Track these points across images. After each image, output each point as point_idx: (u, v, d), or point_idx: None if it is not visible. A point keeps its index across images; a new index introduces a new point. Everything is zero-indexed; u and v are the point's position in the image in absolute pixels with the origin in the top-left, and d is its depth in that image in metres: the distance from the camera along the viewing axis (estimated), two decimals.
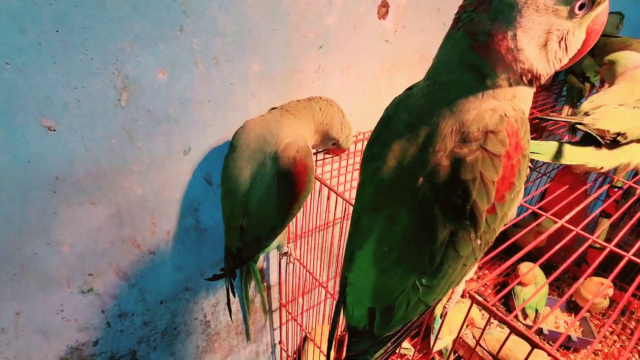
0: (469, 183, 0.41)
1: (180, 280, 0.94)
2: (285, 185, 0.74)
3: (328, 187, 0.86)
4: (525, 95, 0.46)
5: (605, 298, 1.35)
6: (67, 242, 0.73)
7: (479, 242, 0.44)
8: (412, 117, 0.47)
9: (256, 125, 0.78)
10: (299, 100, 0.83)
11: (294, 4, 0.81)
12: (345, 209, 1.12)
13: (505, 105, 0.43)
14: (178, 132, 0.77)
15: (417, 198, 0.44)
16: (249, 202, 0.76)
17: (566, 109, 1.51)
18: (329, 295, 1.19)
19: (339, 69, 0.96)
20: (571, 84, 1.65)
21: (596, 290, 1.32)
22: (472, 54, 0.42)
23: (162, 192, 0.81)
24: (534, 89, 0.46)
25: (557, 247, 0.59)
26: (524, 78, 0.43)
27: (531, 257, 1.24)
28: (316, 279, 1.11)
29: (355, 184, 1.13)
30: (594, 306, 1.37)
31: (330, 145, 0.89)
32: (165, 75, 0.70)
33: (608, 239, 1.44)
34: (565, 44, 0.43)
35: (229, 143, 0.79)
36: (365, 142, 1.09)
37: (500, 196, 0.43)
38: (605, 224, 1.83)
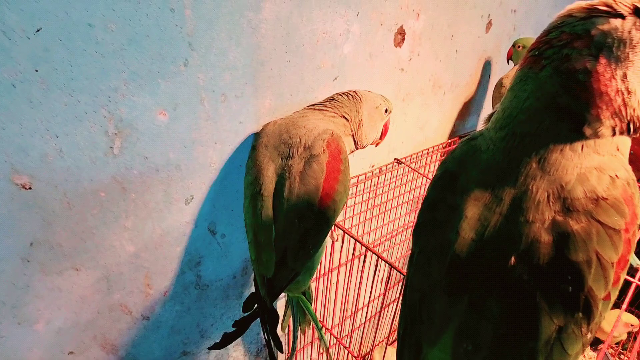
0: (582, 265, 0.33)
1: (177, 344, 0.81)
2: (318, 170, 0.62)
3: (337, 226, 0.76)
4: (627, 148, 0.38)
5: (629, 329, 1.29)
6: (43, 318, 0.59)
7: (589, 336, 0.35)
8: (488, 176, 0.38)
9: (277, 124, 0.68)
10: (333, 99, 0.73)
11: (311, 32, 0.73)
12: (351, 248, 1.02)
13: (613, 163, 0.35)
14: (179, 179, 0.66)
15: (510, 283, 0.34)
16: (276, 201, 0.63)
17: None
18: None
19: None
20: None
21: (614, 320, 1.26)
22: (567, 96, 0.34)
23: (160, 248, 0.69)
24: (630, 141, 0.39)
25: None
26: (631, 126, 0.36)
27: None
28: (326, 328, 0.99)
29: (358, 220, 1.04)
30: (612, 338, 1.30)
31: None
32: (166, 116, 0.60)
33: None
34: None
35: (252, 145, 0.70)
36: (378, 178, 1.02)
37: (617, 279, 0.34)
38: None
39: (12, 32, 0.44)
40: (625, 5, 0.33)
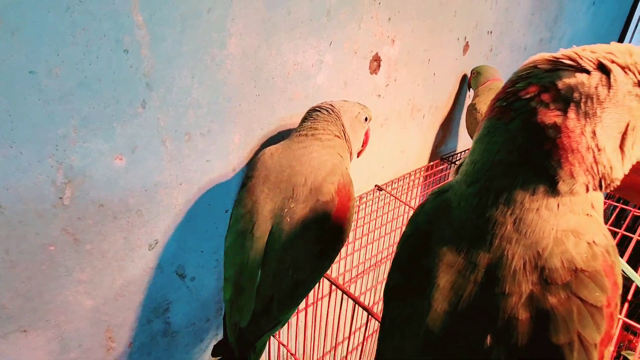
0: (563, 349, 0.30)
1: None
2: (324, 219, 0.56)
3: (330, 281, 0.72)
4: (600, 204, 0.36)
5: None
6: None
7: None
8: (461, 237, 0.35)
9: (278, 154, 0.62)
10: (315, 118, 0.66)
11: (281, 65, 0.70)
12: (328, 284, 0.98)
13: (590, 226, 0.33)
14: (141, 225, 0.62)
15: None
16: (268, 245, 0.57)
17: None
18: None
19: None
20: None
21: None
22: (540, 152, 0.32)
23: (121, 298, 0.64)
24: (603, 195, 0.37)
25: None
26: (602, 183, 0.34)
27: None
28: None
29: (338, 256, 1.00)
30: None
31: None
32: (124, 160, 0.56)
33: None
34: (637, 144, 0.34)
35: (245, 174, 0.64)
36: (359, 207, 0.99)
37: (600, 357, 0.31)
38: None
39: None
40: (590, 61, 0.31)
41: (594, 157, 0.31)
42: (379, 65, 0.91)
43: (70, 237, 0.55)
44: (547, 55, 0.33)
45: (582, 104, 0.30)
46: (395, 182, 1.10)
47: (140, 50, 0.52)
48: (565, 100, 0.31)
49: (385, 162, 1.09)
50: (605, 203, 1.10)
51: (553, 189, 0.32)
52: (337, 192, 0.58)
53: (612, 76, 0.30)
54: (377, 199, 1.03)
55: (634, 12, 2.44)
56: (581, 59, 0.31)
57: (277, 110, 0.73)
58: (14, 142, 0.46)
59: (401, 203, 1.02)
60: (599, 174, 0.32)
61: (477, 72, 1.18)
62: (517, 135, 0.32)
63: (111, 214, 0.58)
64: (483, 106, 1.11)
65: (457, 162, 1.06)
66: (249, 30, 0.63)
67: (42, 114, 0.47)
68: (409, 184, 1.13)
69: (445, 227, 0.37)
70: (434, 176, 1.24)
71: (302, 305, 0.85)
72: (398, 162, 1.13)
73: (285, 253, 0.56)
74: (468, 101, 1.33)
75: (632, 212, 0.98)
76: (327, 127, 0.65)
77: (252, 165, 0.64)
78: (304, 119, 0.68)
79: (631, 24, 2.47)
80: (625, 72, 0.31)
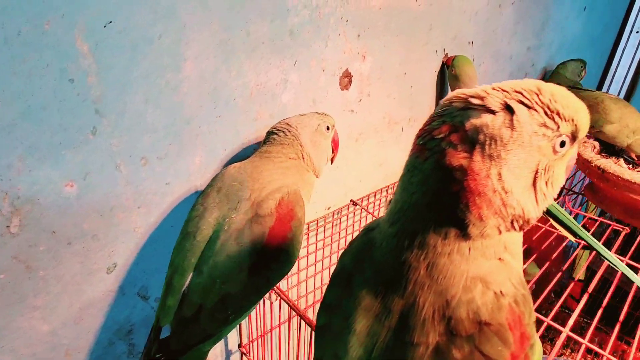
0: None
1: None
2: (258, 233, 0.57)
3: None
4: (516, 245, 0.35)
5: None
6: None
7: None
8: (380, 280, 0.35)
9: (236, 169, 0.63)
10: (271, 142, 0.67)
11: (242, 86, 0.70)
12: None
13: (500, 273, 0.33)
14: (98, 249, 0.62)
15: None
16: (204, 252, 0.58)
17: None
18: None
19: None
20: None
21: None
22: (449, 194, 0.31)
23: (81, 322, 0.64)
24: (522, 234, 0.36)
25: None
26: (515, 224, 0.33)
27: None
28: None
29: (306, 275, 0.99)
30: None
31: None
32: (75, 187, 0.56)
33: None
34: (551, 182, 0.34)
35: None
36: (332, 223, 0.97)
37: None
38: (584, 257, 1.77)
39: None
40: (497, 100, 0.30)
41: (502, 199, 0.31)
42: (350, 81, 0.91)
43: (22, 265, 0.55)
44: (462, 92, 0.32)
45: (486, 146, 0.30)
46: (372, 196, 1.10)
47: (87, 79, 0.52)
48: (472, 141, 0.30)
49: (362, 175, 1.08)
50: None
51: (464, 233, 0.31)
52: (277, 208, 0.59)
53: (515, 118, 0.30)
54: (352, 214, 1.02)
55: (628, 17, 2.42)
56: (487, 98, 0.30)
57: (240, 130, 0.73)
58: None
59: (376, 218, 1.01)
60: (509, 216, 0.31)
61: (455, 71, 1.09)
62: (430, 176, 0.32)
63: (65, 240, 0.58)
64: None
65: None
66: (205, 53, 0.63)
67: None
68: (386, 197, 1.12)
69: (367, 268, 0.37)
70: None
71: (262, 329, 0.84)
72: (376, 175, 1.13)
73: (217, 261, 0.57)
74: None
75: (611, 225, 0.97)
76: (282, 151, 0.65)
77: (215, 176, 0.65)
78: (262, 142, 0.68)
79: (626, 29, 2.45)
80: (531, 113, 0.30)
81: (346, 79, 0.90)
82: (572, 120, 0.32)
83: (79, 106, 0.52)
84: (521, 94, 0.30)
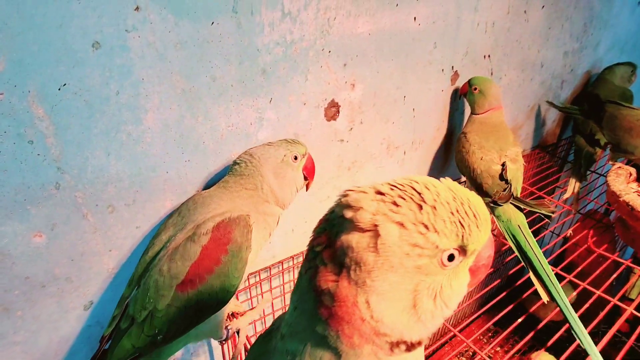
0: None
1: None
2: (190, 252, 0.57)
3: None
4: None
5: None
6: None
7: None
8: None
9: (200, 195, 0.67)
10: (232, 172, 0.67)
11: (211, 130, 0.69)
12: None
13: None
14: (72, 290, 0.65)
15: None
16: (148, 267, 0.61)
17: (572, 184, 1.31)
18: None
19: None
20: (579, 146, 1.46)
21: None
22: (320, 321, 0.28)
23: (60, 354, 0.69)
24: (422, 348, 0.32)
25: None
26: (396, 350, 0.29)
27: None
28: None
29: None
30: None
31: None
32: (43, 237, 0.59)
33: None
34: (442, 299, 0.29)
35: None
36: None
37: None
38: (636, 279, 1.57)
39: None
40: (367, 216, 0.26)
41: (372, 328, 0.27)
42: (338, 111, 0.87)
43: None
44: (351, 190, 0.29)
45: (351, 271, 0.26)
46: None
47: (45, 140, 0.54)
48: (340, 262, 0.27)
49: None
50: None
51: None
52: (214, 229, 0.58)
53: (379, 240, 0.25)
54: None
55: None
56: (360, 212, 0.26)
57: (212, 171, 0.73)
58: None
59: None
60: (385, 343, 0.28)
61: (479, 90, 1.01)
62: (305, 295, 0.29)
63: (39, 284, 0.62)
64: (475, 137, 1.01)
65: None
66: (167, 104, 0.63)
67: None
68: None
69: None
70: None
71: None
72: None
73: (151, 275, 0.59)
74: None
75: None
76: (239, 182, 0.66)
77: (186, 200, 0.68)
78: (227, 172, 0.69)
79: None
80: (401, 232, 0.25)
81: (333, 109, 0.86)
82: (458, 235, 0.27)
83: (39, 165, 0.55)
84: (401, 206, 0.26)
